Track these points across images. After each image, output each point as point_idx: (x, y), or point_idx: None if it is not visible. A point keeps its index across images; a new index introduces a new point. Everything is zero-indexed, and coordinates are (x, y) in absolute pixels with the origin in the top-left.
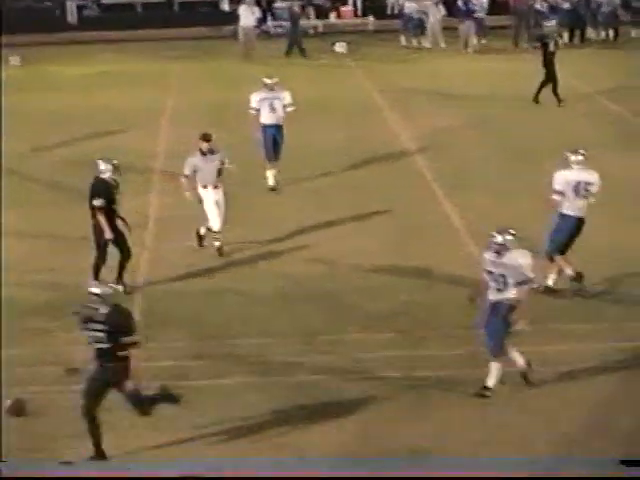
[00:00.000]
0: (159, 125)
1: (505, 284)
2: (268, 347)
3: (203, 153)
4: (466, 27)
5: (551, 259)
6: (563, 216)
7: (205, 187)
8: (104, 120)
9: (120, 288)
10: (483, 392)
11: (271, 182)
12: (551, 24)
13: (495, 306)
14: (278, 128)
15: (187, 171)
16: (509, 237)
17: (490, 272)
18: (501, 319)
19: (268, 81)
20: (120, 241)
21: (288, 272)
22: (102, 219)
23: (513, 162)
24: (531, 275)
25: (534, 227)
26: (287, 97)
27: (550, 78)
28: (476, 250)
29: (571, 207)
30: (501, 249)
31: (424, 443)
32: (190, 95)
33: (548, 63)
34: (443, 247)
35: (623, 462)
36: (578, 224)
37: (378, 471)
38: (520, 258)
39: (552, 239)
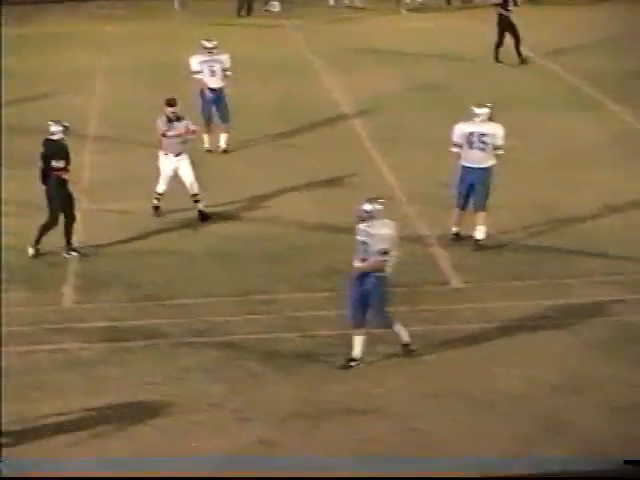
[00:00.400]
0: (94, 86)
1: (367, 253)
2: (205, 307)
3: (169, 119)
4: None
5: (463, 208)
6: (463, 168)
7: (166, 155)
8: (38, 82)
9: (75, 254)
10: (405, 351)
11: (207, 145)
12: None
13: (361, 277)
14: (218, 91)
15: (163, 127)
16: (378, 206)
17: (358, 240)
18: (379, 293)
19: (208, 44)
20: (67, 205)
21: (226, 233)
22: (68, 178)
23: (450, 121)
24: (387, 246)
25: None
26: (227, 61)
27: (514, 36)
28: (411, 210)
29: (467, 158)
30: (369, 217)
31: (360, 402)
32: (125, 56)
33: (507, 22)
34: None
35: (627, 462)
36: (478, 175)
37: (381, 470)
38: (383, 228)
39: (457, 191)
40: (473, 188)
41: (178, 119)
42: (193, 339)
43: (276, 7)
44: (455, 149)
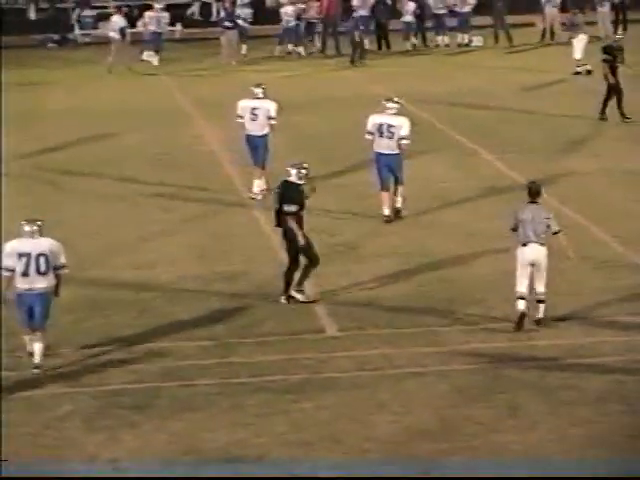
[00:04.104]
0: None
1: (45, 268)
2: (81, 356)
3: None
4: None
5: (387, 189)
6: (376, 154)
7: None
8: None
9: (300, 297)
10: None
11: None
12: (619, 36)
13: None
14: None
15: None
16: (36, 227)
17: (25, 255)
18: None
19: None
20: (308, 248)
21: (99, 282)
22: (294, 225)
23: (322, 167)
24: (63, 261)
25: (345, 227)
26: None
27: (618, 90)
28: (284, 255)
29: (377, 145)
30: (33, 234)
31: (240, 450)
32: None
33: (614, 75)
34: (252, 251)
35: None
36: (389, 160)
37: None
38: (53, 244)
39: (379, 176)
40: (388, 169)
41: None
42: (70, 389)
43: (151, 56)
44: (369, 136)
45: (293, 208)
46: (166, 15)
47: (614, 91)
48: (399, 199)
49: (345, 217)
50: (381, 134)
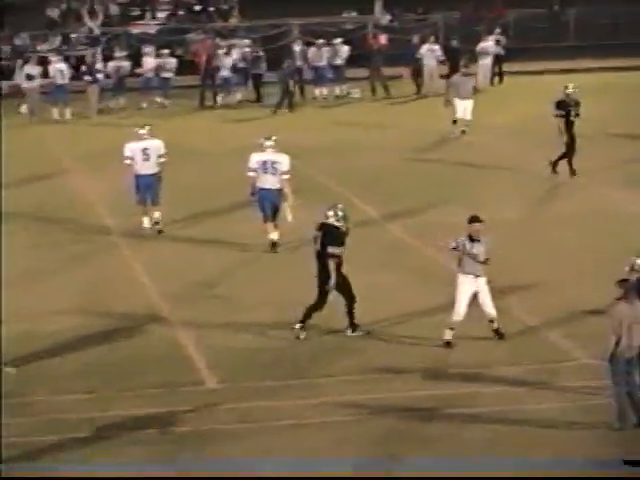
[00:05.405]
0: None
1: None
2: None
3: None
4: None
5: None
6: (260, 189)
7: None
8: None
9: (360, 333)
10: None
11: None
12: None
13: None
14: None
15: None
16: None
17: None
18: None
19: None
20: (345, 287)
21: None
22: (333, 266)
23: (200, 219)
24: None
25: (221, 279)
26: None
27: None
28: (165, 309)
29: (261, 181)
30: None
31: None
32: None
33: (569, 130)
34: (129, 303)
35: (626, 462)
36: (273, 195)
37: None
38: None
39: (261, 209)
40: (270, 204)
41: None
42: None
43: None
44: (251, 173)
45: (338, 250)
46: (63, 66)
47: (569, 147)
48: (277, 232)
49: (220, 269)
50: (265, 170)
